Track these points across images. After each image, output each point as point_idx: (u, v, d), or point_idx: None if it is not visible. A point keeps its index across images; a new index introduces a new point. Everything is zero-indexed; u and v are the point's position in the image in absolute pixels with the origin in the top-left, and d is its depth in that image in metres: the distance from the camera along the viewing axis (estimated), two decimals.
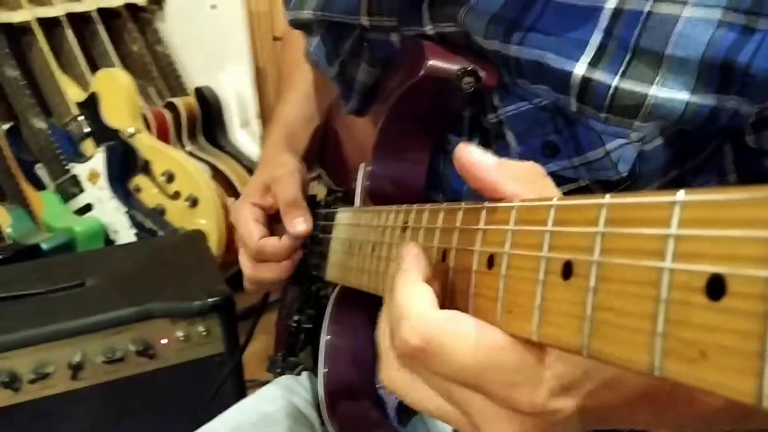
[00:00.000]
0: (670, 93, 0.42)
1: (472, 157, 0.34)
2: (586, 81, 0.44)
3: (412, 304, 0.32)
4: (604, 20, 0.43)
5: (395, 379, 0.34)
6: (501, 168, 0.34)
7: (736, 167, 0.48)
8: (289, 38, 0.87)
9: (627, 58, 0.43)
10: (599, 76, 0.43)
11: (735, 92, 0.41)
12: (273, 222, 0.73)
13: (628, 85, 0.43)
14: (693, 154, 0.47)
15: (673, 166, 0.47)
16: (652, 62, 0.42)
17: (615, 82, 0.43)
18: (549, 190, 0.35)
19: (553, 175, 0.49)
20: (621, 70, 0.43)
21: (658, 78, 0.42)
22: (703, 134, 0.45)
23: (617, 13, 0.43)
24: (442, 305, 0.34)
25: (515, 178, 0.33)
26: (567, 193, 0.50)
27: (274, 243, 0.69)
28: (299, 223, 0.67)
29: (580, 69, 0.44)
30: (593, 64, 0.43)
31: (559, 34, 0.45)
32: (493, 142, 0.55)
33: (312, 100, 0.80)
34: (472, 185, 0.34)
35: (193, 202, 1.71)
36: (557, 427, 0.31)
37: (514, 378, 0.30)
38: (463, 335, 0.30)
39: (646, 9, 0.42)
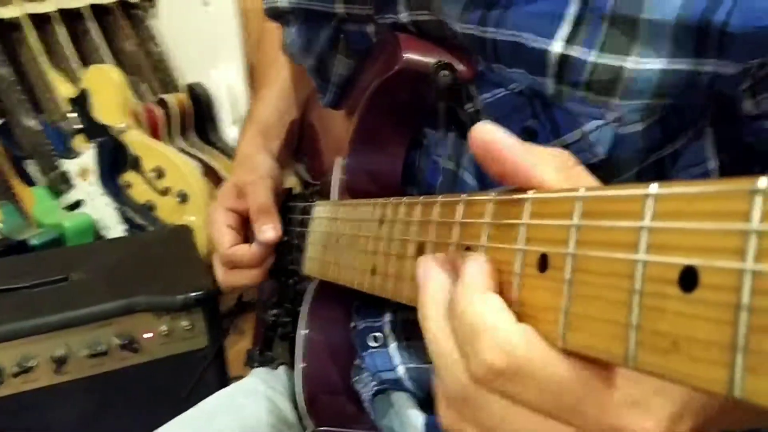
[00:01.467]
0: (645, 64, 0.41)
1: (498, 135, 0.30)
2: (563, 59, 0.43)
3: (491, 316, 0.27)
4: None
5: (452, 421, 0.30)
6: (533, 152, 0.30)
7: (717, 151, 0.48)
8: (264, 35, 0.87)
9: (604, 27, 0.42)
10: (576, 52, 0.43)
11: (713, 55, 0.40)
12: (247, 225, 0.73)
13: (605, 59, 0.42)
14: (672, 138, 0.47)
15: (652, 150, 0.47)
16: (628, 29, 0.41)
17: (592, 57, 0.42)
18: (584, 179, 0.31)
19: None
20: (599, 42, 0.42)
21: (634, 47, 0.41)
22: (683, 114, 0.44)
23: None
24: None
25: (549, 164, 0.30)
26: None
27: (243, 252, 0.70)
28: (267, 230, 0.68)
29: (556, 47, 0.43)
30: (570, 40, 0.43)
31: (535, 8, 0.44)
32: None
33: (287, 96, 0.80)
34: (495, 170, 0.30)
35: (183, 199, 1.71)
36: None
37: (623, 404, 0.26)
38: (556, 364, 0.26)
39: None
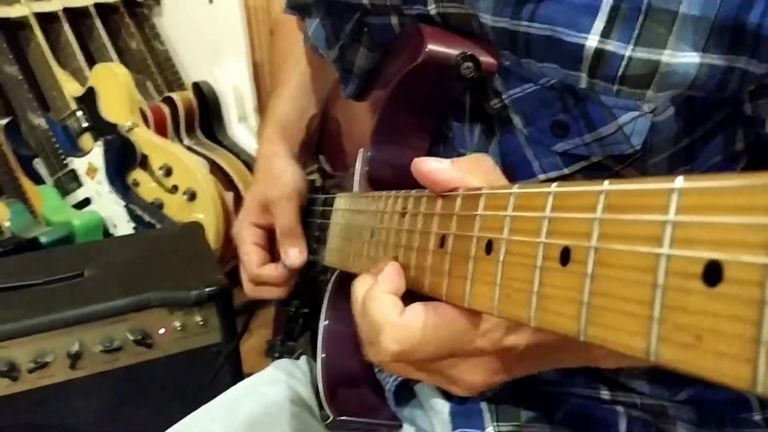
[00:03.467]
0: (682, 58, 0.41)
1: (430, 165, 0.40)
2: (598, 53, 0.43)
3: (384, 316, 0.39)
4: None
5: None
6: (457, 166, 0.40)
7: (744, 136, 0.48)
8: (279, 28, 0.87)
9: (640, 20, 0.42)
10: (612, 47, 0.43)
11: (745, 53, 0.40)
12: (273, 239, 0.75)
13: (641, 53, 0.42)
14: (702, 121, 0.47)
15: (683, 134, 0.47)
16: (666, 22, 0.41)
17: (628, 52, 0.42)
18: (499, 179, 0.41)
19: (564, 153, 0.49)
20: (635, 36, 0.42)
21: (670, 40, 0.41)
22: (711, 101, 0.45)
23: None
24: (437, 287, 0.38)
25: (471, 173, 0.39)
26: (580, 171, 0.50)
27: (270, 272, 0.72)
28: (294, 255, 0.70)
29: (592, 41, 0.43)
30: (605, 34, 0.43)
31: (570, 1, 0.44)
32: (498, 127, 0.55)
33: (306, 91, 0.79)
34: (433, 190, 0.41)
35: (191, 196, 1.71)
36: (516, 364, 0.42)
37: (473, 335, 0.38)
38: (424, 325, 0.38)
39: None
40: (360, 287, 0.44)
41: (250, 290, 0.75)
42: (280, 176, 0.73)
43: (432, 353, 0.39)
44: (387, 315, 0.39)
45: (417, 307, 0.39)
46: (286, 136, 0.77)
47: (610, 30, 0.43)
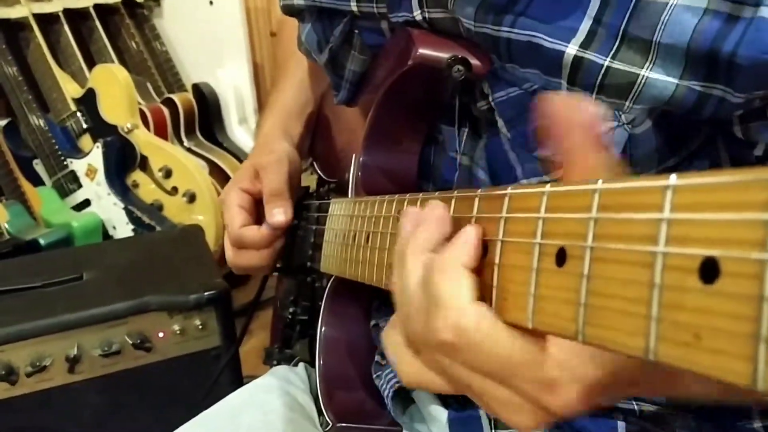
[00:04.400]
0: (659, 76, 0.42)
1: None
2: (578, 60, 0.44)
3: (452, 296, 0.31)
4: (593, 8, 0.44)
5: (408, 371, 0.35)
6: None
7: (730, 158, 0.48)
8: (283, 26, 0.87)
9: (616, 44, 0.43)
10: (591, 56, 0.43)
11: (721, 81, 0.41)
12: (260, 207, 0.73)
13: (619, 65, 0.43)
14: (685, 142, 0.47)
15: (667, 154, 0.47)
16: (641, 48, 0.42)
17: (606, 62, 0.43)
18: None
19: (545, 160, 0.49)
20: (611, 54, 0.43)
21: (647, 64, 0.42)
22: (690, 122, 0.45)
23: (605, 0, 0.43)
24: None
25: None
26: (560, 179, 0.50)
27: (253, 233, 0.70)
28: (278, 214, 0.68)
29: (572, 49, 0.44)
30: (585, 45, 0.44)
31: (549, 21, 0.45)
32: (484, 130, 0.55)
33: (306, 88, 0.80)
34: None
35: (191, 198, 1.71)
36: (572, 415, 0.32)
37: (549, 381, 0.30)
38: (499, 338, 0.31)
39: None
40: (424, 233, 0.35)
41: (231, 256, 0.73)
42: (273, 146, 0.74)
43: (488, 367, 0.31)
44: (458, 296, 0.31)
45: (484, 304, 0.32)
46: (285, 129, 0.78)
47: (590, 42, 0.44)
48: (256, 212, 0.73)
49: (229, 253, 0.73)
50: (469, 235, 0.33)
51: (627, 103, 0.44)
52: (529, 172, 0.51)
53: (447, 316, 0.31)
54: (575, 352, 0.30)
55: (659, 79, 0.42)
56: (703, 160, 0.48)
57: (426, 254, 0.34)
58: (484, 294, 0.33)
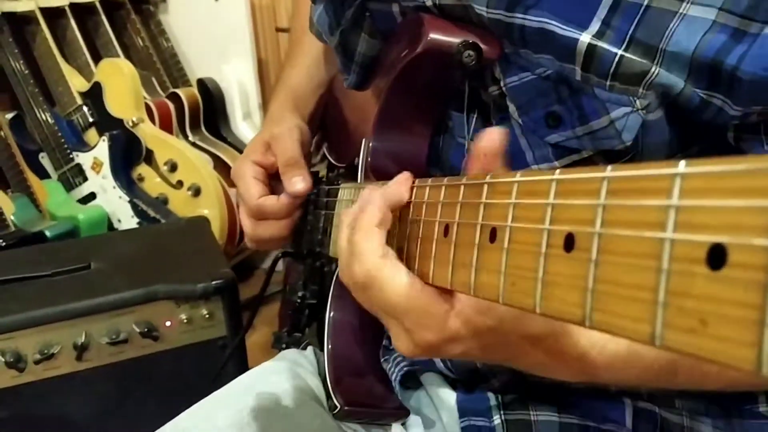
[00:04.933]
0: (668, 75, 0.43)
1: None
2: (591, 48, 0.44)
3: (365, 249, 0.42)
4: (603, 10, 0.44)
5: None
6: None
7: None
8: (298, 3, 0.87)
9: (623, 46, 0.43)
10: (604, 45, 0.44)
11: (721, 92, 0.41)
12: (274, 180, 0.73)
13: (632, 55, 0.43)
14: (697, 137, 0.47)
15: (676, 147, 0.48)
16: (648, 53, 0.43)
17: (620, 52, 0.43)
18: None
19: (556, 145, 0.49)
20: (625, 43, 0.43)
21: (653, 67, 0.43)
22: (697, 120, 0.45)
23: (616, 4, 0.44)
24: (442, 276, 0.38)
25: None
26: (570, 165, 0.50)
27: (272, 202, 0.70)
28: (297, 182, 0.68)
29: (585, 37, 0.44)
30: (598, 36, 0.44)
31: (561, 16, 0.45)
32: (494, 115, 0.55)
33: (320, 67, 0.80)
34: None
35: (196, 192, 1.72)
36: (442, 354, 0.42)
37: (425, 322, 0.40)
38: (397, 282, 0.40)
39: (645, 2, 0.43)
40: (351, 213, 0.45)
41: (250, 228, 0.72)
42: (284, 118, 0.74)
43: (386, 305, 0.41)
44: (370, 250, 0.41)
45: (399, 266, 0.41)
46: (297, 106, 0.77)
47: (603, 34, 0.44)
48: (270, 185, 0.73)
49: (248, 224, 0.72)
50: (375, 199, 0.43)
51: (641, 89, 0.44)
52: (540, 158, 0.51)
53: (361, 263, 0.41)
54: (459, 309, 0.40)
55: (669, 76, 0.43)
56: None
57: (350, 217, 0.45)
58: (491, 279, 0.33)
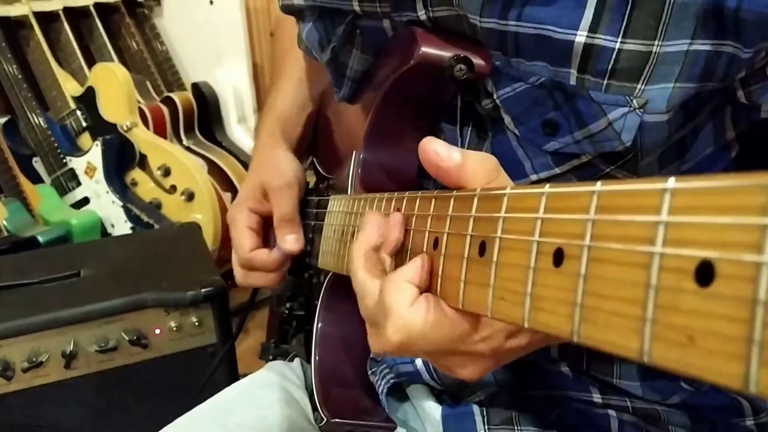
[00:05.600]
0: (670, 47, 0.42)
1: (435, 146, 0.39)
2: (588, 48, 0.43)
3: (396, 304, 0.39)
4: None
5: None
6: (461, 159, 0.39)
7: (733, 124, 0.48)
8: (281, 26, 0.87)
9: (628, 11, 0.42)
10: (601, 41, 0.43)
11: (731, 38, 0.41)
12: (268, 227, 0.74)
13: (630, 45, 0.42)
14: (692, 116, 0.47)
15: (674, 132, 0.47)
16: (654, 10, 0.42)
17: (617, 44, 0.43)
18: (503, 181, 0.40)
19: (555, 153, 0.49)
20: (622, 28, 0.42)
21: (659, 29, 0.42)
22: (700, 95, 0.45)
23: None
24: (433, 289, 0.38)
25: (472, 169, 0.39)
26: (571, 170, 0.50)
27: (263, 257, 0.71)
28: (290, 241, 0.69)
29: (581, 37, 0.43)
30: (593, 29, 0.43)
31: (555, 4, 0.44)
32: (490, 128, 0.55)
33: (305, 88, 0.80)
34: (430, 171, 0.39)
35: (189, 197, 1.71)
36: (509, 358, 0.43)
37: (474, 338, 0.39)
38: (424, 322, 0.38)
39: None
40: (368, 266, 0.43)
41: (240, 276, 0.73)
42: (281, 165, 0.74)
43: (430, 349, 0.40)
44: (400, 304, 0.39)
45: (422, 302, 0.39)
46: (285, 131, 0.77)
47: (598, 24, 0.43)
48: (264, 232, 0.74)
49: (239, 272, 0.74)
50: (417, 261, 0.40)
51: (639, 86, 0.43)
52: (540, 166, 0.51)
53: (395, 321, 0.39)
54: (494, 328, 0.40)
55: (670, 51, 0.42)
56: (707, 130, 0.48)
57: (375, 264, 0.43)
58: (480, 292, 0.33)
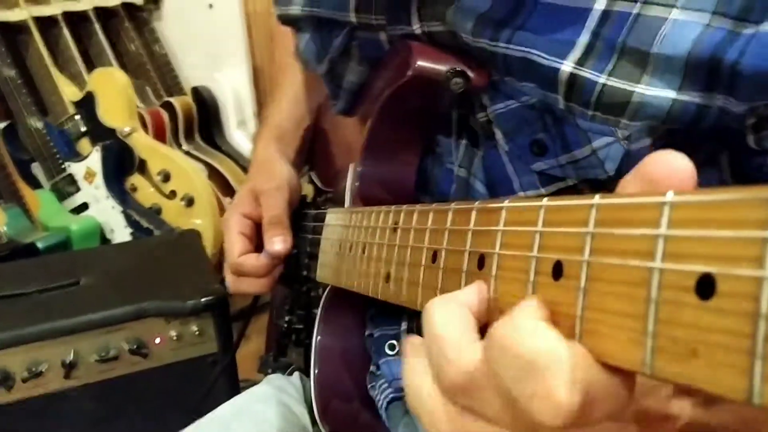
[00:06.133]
0: (656, 91, 0.42)
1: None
2: (573, 78, 0.44)
3: (548, 352, 0.25)
4: (592, 22, 0.44)
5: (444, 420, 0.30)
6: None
7: (732, 175, 0.48)
8: (279, 39, 0.87)
9: (614, 57, 0.43)
10: (586, 74, 0.43)
11: (722, 91, 0.41)
12: (261, 232, 0.73)
13: (615, 83, 0.43)
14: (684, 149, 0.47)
15: None
16: (639, 61, 0.42)
17: (602, 80, 0.43)
18: None
19: (541, 174, 0.49)
20: (608, 69, 0.43)
21: (644, 77, 0.42)
22: (691, 136, 0.45)
23: (606, 14, 0.43)
24: None
25: None
26: (555, 193, 0.50)
27: (252, 262, 0.70)
28: (277, 243, 0.68)
29: (567, 67, 0.44)
30: (580, 63, 0.44)
31: (547, 34, 0.45)
32: (482, 141, 0.55)
33: (302, 101, 0.80)
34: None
35: (189, 202, 1.71)
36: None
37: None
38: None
39: (635, 11, 0.42)
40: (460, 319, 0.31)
41: (231, 283, 0.73)
42: (273, 169, 0.74)
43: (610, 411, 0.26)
44: (555, 350, 0.25)
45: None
46: (282, 143, 0.78)
47: (585, 60, 0.43)
48: (257, 237, 0.73)
49: (229, 279, 0.73)
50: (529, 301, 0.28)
51: (623, 120, 0.43)
52: (527, 185, 0.51)
53: (559, 377, 0.24)
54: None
55: (655, 96, 0.42)
56: (705, 180, 0.48)
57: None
58: (480, 308, 0.32)
